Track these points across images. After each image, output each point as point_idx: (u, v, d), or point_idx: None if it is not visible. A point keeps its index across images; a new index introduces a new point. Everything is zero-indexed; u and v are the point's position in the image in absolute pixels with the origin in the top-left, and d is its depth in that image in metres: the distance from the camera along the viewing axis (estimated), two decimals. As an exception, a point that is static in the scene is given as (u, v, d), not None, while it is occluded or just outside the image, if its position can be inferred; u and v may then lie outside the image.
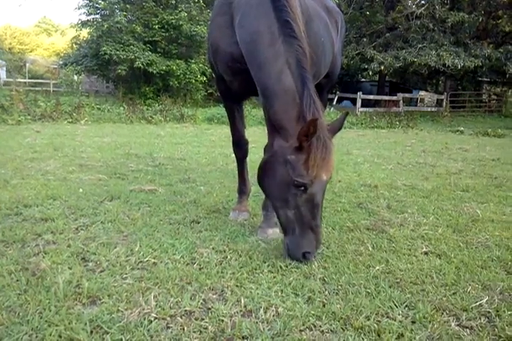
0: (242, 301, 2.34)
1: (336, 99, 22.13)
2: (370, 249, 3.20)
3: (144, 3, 20.46)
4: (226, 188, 4.99)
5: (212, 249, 3.08)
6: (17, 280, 2.47)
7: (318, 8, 4.20)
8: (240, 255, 2.98)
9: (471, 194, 5.09)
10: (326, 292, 2.51)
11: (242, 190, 4.11)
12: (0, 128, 11.22)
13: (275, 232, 3.38)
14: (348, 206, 4.33)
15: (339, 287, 2.57)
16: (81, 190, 4.57)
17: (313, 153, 2.77)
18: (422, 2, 23.16)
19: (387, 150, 9.12)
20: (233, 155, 7.54)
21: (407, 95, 25.55)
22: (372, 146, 9.75)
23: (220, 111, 16.05)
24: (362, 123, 16.13)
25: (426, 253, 3.20)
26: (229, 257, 2.94)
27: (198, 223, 3.68)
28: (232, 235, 3.37)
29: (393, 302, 2.40)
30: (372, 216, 4.03)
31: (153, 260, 2.84)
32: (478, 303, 2.41)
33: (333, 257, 3.02)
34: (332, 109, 18.60)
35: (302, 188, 2.79)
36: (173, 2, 19.86)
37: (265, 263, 2.86)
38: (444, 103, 23.86)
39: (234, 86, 3.68)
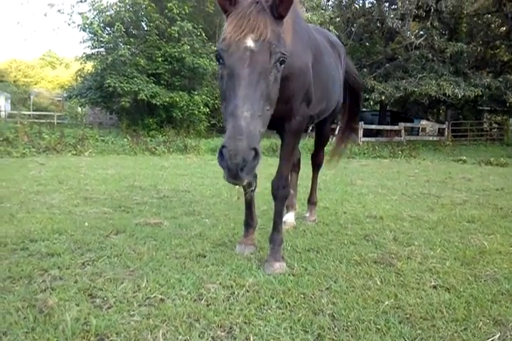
0: (251, 339, 2.32)
1: (337, 129, 22.32)
2: (379, 283, 3.17)
3: (147, 37, 20.99)
4: (231, 221, 4.98)
5: (220, 284, 3.06)
6: (24, 318, 2.46)
7: (326, 43, 4.31)
8: (247, 290, 2.96)
9: (477, 225, 5.07)
10: (336, 328, 2.48)
11: (249, 223, 4.01)
12: (5, 160, 11.32)
13: (282, 266, 3.36)
14: (355, 238, 4.32)
15: (349, 323, 2.54)
16: (86, 224, 4.57)
17: (230, 17, 2.51)
18: (421, 33, 23.72)
19: (391, 180, 9.14)
20: (237, 186, 7.68)
21: (408, 125, 25.78)
22: (376, 176, 9.78)
23: (223, 141, 16.19)
24: (364, 153, 16.22)
25: (435, 287, 3.17)
26: (236, 293, 2.91)
27: (204, 257, 3.66)
28: (238, 269, 3.35)
29: (404, 338, 2.37)
30: (379, 248, 4.01)
31: (160, 296, 2.82)
32: (490, 340, 2.38)
33: (342, 292, 2.99)
34: (334, 138, 18.71)
35: (222, 62, 2.52)
36: (176, 35, 20.36)
37: (273, 298, 2.84)
38: (446, 132, 24.04)
39: None
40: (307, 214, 5.16)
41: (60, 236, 4.14)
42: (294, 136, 3.56)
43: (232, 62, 2.42)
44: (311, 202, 5.23)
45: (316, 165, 5.36)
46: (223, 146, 2.29)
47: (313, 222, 5.00)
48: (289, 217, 4.84)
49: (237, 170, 2.27)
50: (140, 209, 5.53)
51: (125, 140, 16.47)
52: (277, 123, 3.42)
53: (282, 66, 2.56)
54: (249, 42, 2.40)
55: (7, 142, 14.11)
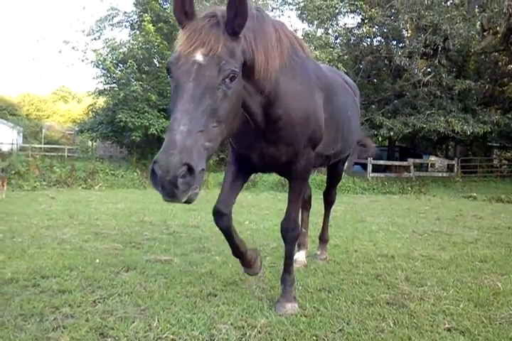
0: (264, 383, 2.28)
1: (346, 164, 22.38)
2: (392, 325, 3.13)
3: (158, 73, 21.51)
4: (242, 258, 4.96)
5: (231, 324, 3.03)
6: (36, 358, 2.45)
7: (342, 82, 4.32)
8: (259, 331, 2.93)
9: (490, 265, 5.01)
10: (350, 373, 2.44)
11: (235, 252, 3.66)
12: (16, 193, 11.44)
13: (294, 307, 3.33)
14: (366, 278, 4.27)
15: (363, 368, 2.50)
16: (97, 260, 4.58)
17: (184, 30, 2.47)
18: (429, 70, 24.08)
19: (401, 217, 9.10)
20: (247, 222, 7.69)
21: (417, 160, 25.82)
22: (386, 213, 9.74)
23: (232, 176, 16.26)
24: (374, 189, 16.20)
25: (449, 329, 3.12)
26: (248, 334, 2.89)
27: (215, 296, 3.64)
28: (250, 309, 3.33)
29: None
30: (392, 289, 3.96)
31: (171, 336, 2.80)
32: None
33: (355, 334, 2.95)
34: (343, 173, 18.79)
35: (171, 75, 2.45)
36: (187, 72, 20.74)
37: (285, 340, 2.80)
38: (455, 168, 24.02)
39: None
40: (318, 252, 5.08)
41: (71, 273, 4.15)
42: (300, 180, 3.48)
43: (179, 75, 2.35)
44: (323, 239, 5.16)
45: (328, 203, 5.30)
46: (155, 162, 2.15)
47: (324, 260, 4.92)
48: (299, 256, 4.78)
49: (171, 187, 2.09)
50: (150, 245, 5.54)
51: (135, 174, 16.61)
52: (282, 166, 3.41)
53: (233, 83, 2.42)
54: (198, 56, 2.33)
55: (18, 175, 14.29)
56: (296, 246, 4.57)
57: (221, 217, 3.43)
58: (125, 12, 24.53)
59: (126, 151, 26.04)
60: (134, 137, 19.98)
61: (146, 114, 20.14)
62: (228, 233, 3.51)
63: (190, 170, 2.11)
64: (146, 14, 20.89)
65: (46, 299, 3.39)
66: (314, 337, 2.87)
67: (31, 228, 6.41)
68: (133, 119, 19.67)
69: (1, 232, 6.01)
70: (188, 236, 6.20)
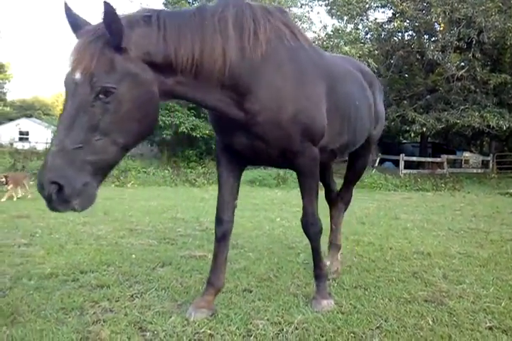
0: (303, 379, 2.27)
1: (377, 161, 22.12)
2: (431, 323, 3.07)
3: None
4: (275, 255, 4.96)
5: (267, 320, 3.03)
6: (78, 351, 2.50)
7: (353, 70, 4.03)
8: (296, 328, 2.92)
9: (531, 263, 4.86)
10: (390, 371, 2.40)
11: (211, 280, 3.33)
12: (52, 191, 11.72)
13: (330, 304, 3.31)
14: (403, 275, 4.20)
15: (403, 366, 2.46)
16: (133, 256, 4.65)
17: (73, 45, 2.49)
18: (462, 64, 23.47)
19: (436, 214, 8.92)
20: (278, 219, 7.67)
21: (451, 157, 25.28)
22: (420, 210, 9.56)
23: (261, 173, 16.31)
24: (406, 186, 15.94)
25: (490, 328, 3.04)
26: (285, 330, 2.88)
27: (251, 292, 3.65)
28: (286, 306, 3.32)
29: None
30: (429, 287, 3.88)
31: (209, 331, 2.82)
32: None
33: (393, 331, 2.91)
34: (374, 170, 18.53)
35: None
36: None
37: (323, 337, 2.79)
38: (491, 164, 23.41)
39: None
40: (327, 262, 4.21)
41: (108, 268, 4.22)
42: (306, 177, 3.28)
43: (65, 93, 2.43)
44: (334, 246, 4.47)
45: (343, 203, 4.69)
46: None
47: (335, 273, 4.16)
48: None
49: (49, 200, 2.27)
50: (184, 241, 5.59)
51: (166, 171, 16.81)
52: (278, 161, 3.27)
53: (110, 97, 2.34)
54: (76, 75, 2.34)
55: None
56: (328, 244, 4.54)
57: (219, 223, 3.44)
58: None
59: (157, 149, 26.35)
60: (164, 135, 20.20)
61: (177, 112, 20.32)
62: (222, 243, 3.42)
63: (61, 187, 2.24)
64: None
65: (85, 293, 3.47)
66: (352, 334, 2.84)
67: (68, 224, 6.56)
68: (164, 118, 19.86)
69: (39, 228, 6.17)
70: (220, 233, 6.21)
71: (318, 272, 3.53)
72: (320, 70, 3.23)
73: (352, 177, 4.72)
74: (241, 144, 3.11)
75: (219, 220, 3.44)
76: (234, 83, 2.80)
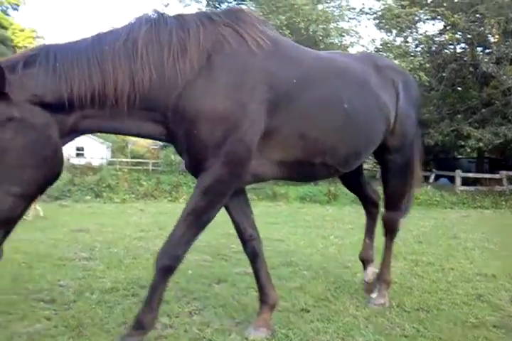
0: None
1: (433, 177, 21.49)
2: (502, 350, 2.91)
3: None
4: (330, 274, 4.87)
5: (328, 342, 2.97)
6: (141, 367, 2.52)
7: (356, 67, 3.43)
8: (358, 351, 2.84)
9: None
10: None
11: (262, 298, 3.30)
12: (107, 206, 12.11)
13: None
14: (467, 298, 4.02)
15: None
16: (190, 272, 4.70)
17: None
18: (519, 76, 22.62)
19: (498, 233, 8.51)
20: (332, 237, 7.57)
21: (510, 173, 24.20)
22: (480, 229, 9.15)
23: (312, 189, 16.16)
24: (463, 203, 15.35)
25: None
26: (347, 352, 2.81)
27: (308, 312, 3.59)
28: (346, 327, 3.24)
29: None
30: (497, 311, 3.70)
31: (270, 352, 2.79)
32: None
33: (462, 359, 2.78)
34: (429, 187, 17.95)
35: None
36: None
37: (387, 361, 2.69)
38: (553, 181, 22.21)
39: None
40: (373, 295, 3.95)
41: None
42: (200, 195, 2.73)
43: None
44: (382, 280, 3.98)
45: (388, 230, 4.07)
46: None
47: (381, 305, 3.79)
48: (367, 273, 4.16)
49: None
50: (238, 257, 5.59)
51: (216, 187, 16.95)
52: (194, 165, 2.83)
53: None
54: None
55: (109, 188, 15.12)
56: (361, 262, 4.27)
57: (243, 244, 3.37)
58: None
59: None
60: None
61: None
62: (255, 261, 3.37)
63: None
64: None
65: (146, 309, 3.51)
66: (417, 360, 2.74)
67: (124, 239, 6.72)
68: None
69: (98, 243, 6.36)
70: (273, 250, 6.19)
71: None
72: (270, 77, 2.79)
73: (388, 198, 4.01)
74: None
75: (242, 241, 3.35)
76: (154, 105, 2.59)
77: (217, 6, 18.68)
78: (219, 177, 2.70)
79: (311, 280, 4.58)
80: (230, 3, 19.14)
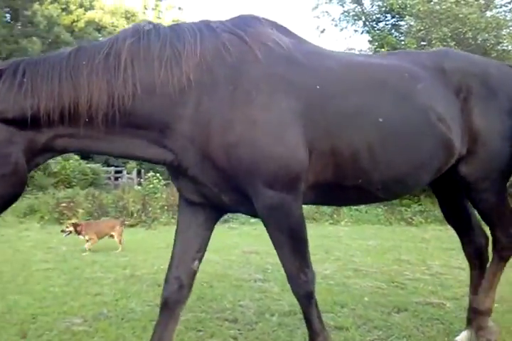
0: None
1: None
2: None
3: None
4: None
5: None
6: None
7: (404, 72, 2.84)
8: None
9: None
10: None
11: None
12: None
13: None
14: None
15: None
16: (366, 299, 4.54)
17: None
18: None
19: None
20: None
21: None
22: None
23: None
24: None
25: None
26: None
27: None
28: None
29: None
30: None
31: None
32: None
33: None
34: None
35: None
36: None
37: None
38: None
39: None
40: (466, 333, 3.30)
41: (342, 310, 4.19)
42: (270, 228, 2.57)
43: None
44: (479, 310, 3.24)
45: (496, 254, 3.25)
46: None
47: None
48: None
49: None
50: (415, 285, 5.26)
51: (379, 209, 16.45)
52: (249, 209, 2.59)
53: None
54: None
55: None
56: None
57: (165, 284, 2.80)
58: (361, 50, 25.26)
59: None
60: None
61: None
62: (164, 313, 2.77)
63: None
64: (383, 49, 21.09)
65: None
66: None
67: (294, 262, 6.79)
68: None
69: (269, 264, 6.52)
70: (453, 279, 5.70)
71: None
72: (288, 85, 2.47)
73: (487, 219, 3.22)
74: (190, 191, 2.64)
75: (165, 280, 2.79)
76: (145, 123, 2.37)
77: (375, 25, 18.50)
78: (273, 206, 2.46)
79: (505, 313, 4.08)
80: (388, 20, 18.82)
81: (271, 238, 2.59)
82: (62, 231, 7.81)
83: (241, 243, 9.18)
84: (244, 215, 13.30)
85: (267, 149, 2.34)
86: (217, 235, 9.49)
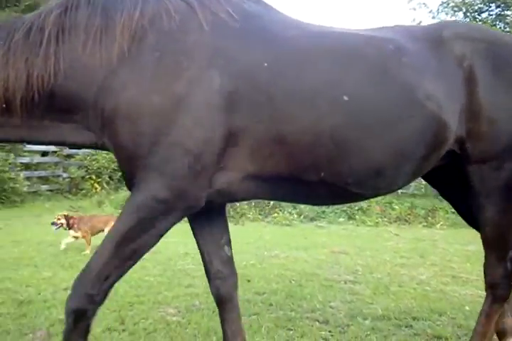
0: None
1: None
2: None
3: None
4: None
5: None
6: None
7: (386, 42, 2.41)
8: None
9: None
10: None
11: None
12: (361, 228, 12.14)
13: None
14: None
15: None
16: (467, 308, 4.24)
17: None
18: None
19: None
20: None
21: None
22: None
23: None
24: None
25: None
26: None
27: None
28: None
29: None
30: None
31: None
32: None
33: None
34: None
35: None
36: None
37: None
38: None
39: None
40: None
41: (440, 318, 3.95)
42: (125, 214, 2.11)
43: None
44: None
45: (489, 288, 3.01)
46: None
47: None
48: None
49: None
50: (522, 296, 4.84)
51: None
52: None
53: None
54: None
55: (362, 211, 15.23)
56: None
57: (208, 281, 2.70)
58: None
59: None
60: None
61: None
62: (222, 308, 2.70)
63: None
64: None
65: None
66: None
67: (386, 264, 6.54)
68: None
69: (359, 266, 6.32)
70: None
71: None
72: (228, 62, 2.11)
73: (486, 243, 2.95)
74: None
75: (207, 278, 2.67)
76: (70, 104, 2.12)
77: (477, 16, 17.35)
78: (155, 193, 2.05)
79: None
80: (492, 11, 17.56)
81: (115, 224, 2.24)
82: (53, 223, 6.69)
83: (329, 242, 9.00)
84: (332, 215, 13.09)
85: (170, 123, 2.03)
86: (304, 233, 9.54)
